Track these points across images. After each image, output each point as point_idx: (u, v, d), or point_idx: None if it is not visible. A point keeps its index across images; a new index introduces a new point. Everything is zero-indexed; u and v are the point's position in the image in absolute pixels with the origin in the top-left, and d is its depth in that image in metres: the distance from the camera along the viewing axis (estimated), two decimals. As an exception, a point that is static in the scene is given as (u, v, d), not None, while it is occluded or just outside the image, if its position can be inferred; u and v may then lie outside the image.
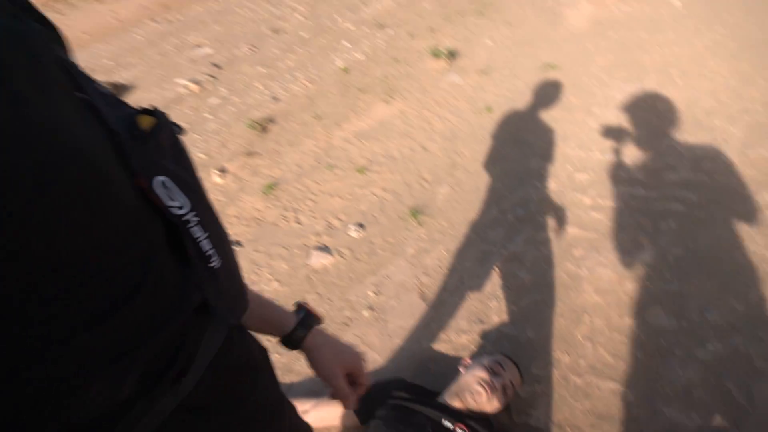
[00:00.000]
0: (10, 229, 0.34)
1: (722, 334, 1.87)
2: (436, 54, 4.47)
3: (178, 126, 0.57)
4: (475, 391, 1.54)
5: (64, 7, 14.11)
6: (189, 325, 0.52)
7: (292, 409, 0.81)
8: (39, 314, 0.38)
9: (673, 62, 3.67)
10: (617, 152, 2.83)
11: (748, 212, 2.30)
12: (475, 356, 1.78)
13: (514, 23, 4.93)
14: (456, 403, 1.58)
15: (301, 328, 0.84)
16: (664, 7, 4.52)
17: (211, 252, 0.54)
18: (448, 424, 1.49)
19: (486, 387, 1.54)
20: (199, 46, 7.16)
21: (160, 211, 0.49)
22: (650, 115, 3.10)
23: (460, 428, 1.48)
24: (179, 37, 8.10)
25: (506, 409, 1.68)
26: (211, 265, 0.55)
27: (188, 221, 0.52)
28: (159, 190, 0.49)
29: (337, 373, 0.85)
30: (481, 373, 1.58)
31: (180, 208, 0.51)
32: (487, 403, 1.54)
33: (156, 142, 0.51)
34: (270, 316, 0.83)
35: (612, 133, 3.00)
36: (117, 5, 14.14)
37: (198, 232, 0.53)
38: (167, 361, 0.50)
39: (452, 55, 4.47)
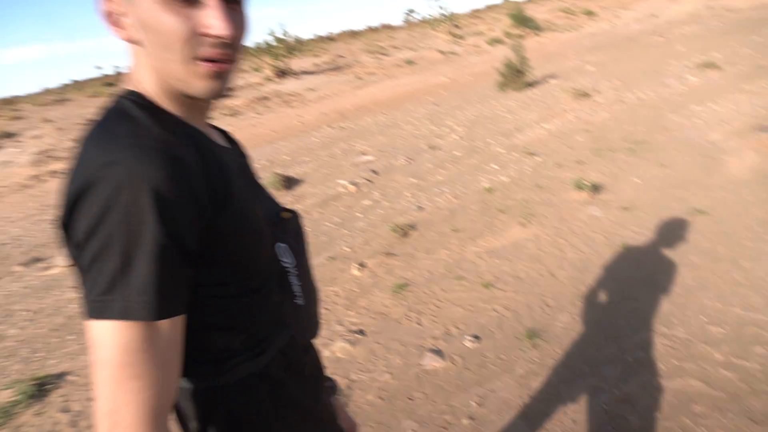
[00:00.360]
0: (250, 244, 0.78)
1: None
2: (579, 186, 4.60)
3: (302, 220, 1.00)
4: None
5: (263, 109, 16.76)
6: (276, 329, 0.86)
7: (332, 418, 1.05)
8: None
9: None
10: (763, 311, 2.65)
11: None
12: (565, 489, 1.77)
13: (666, 165, 4.91)
14: None
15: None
16: (843, 166, 4.22)
17: (299, 294, 0.90)
18: None
19: None
20: (363, 153, 8.08)
21: (278, 260, 0.87)
22: (809, 278, 2.87)
23: None
24: (348, 142, 9.21)
25: None
26: (296, 301, 0.90)
27: (289, 272, 0.88)
28: (278, 251, 0.86)
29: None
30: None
31: (287, 263, 0.88)
32: None
33: (286, 226, 0.92)
34: None
35: (761, 290, 2.83)
36: (303, 111, 16.46)
37: (294, 280, 0.89)
38: (259, 340, 0.82)
39: (596, 188, 4.56)
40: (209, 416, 0.80)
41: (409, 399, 2.48)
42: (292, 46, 23.17)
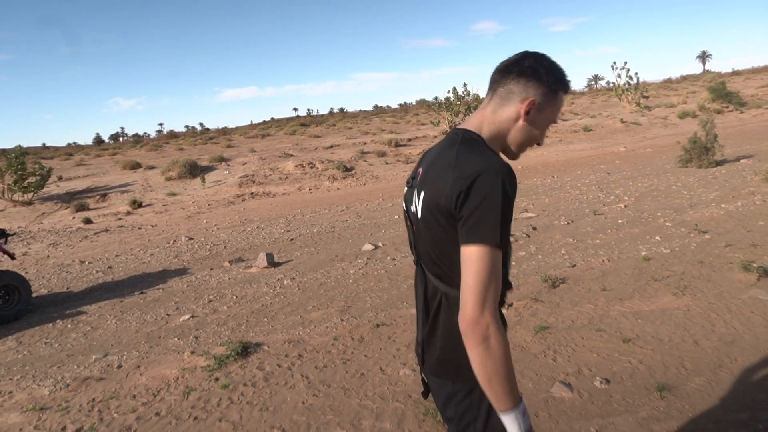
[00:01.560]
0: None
1: None
2: (747, 268, 4.48)
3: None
4: None
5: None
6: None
7: None
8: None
9: None
10: None
11: None
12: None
13: None
14: None
15: None
16: None
17: (509, 270, 1.35)
18: None
19: None
20: (526, 210, 8.44)
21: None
22: None
23: None
24: (512, 199, 9.63)
25: None
26: (508, 273, 1.35)
27: (508, 256, 1.33)
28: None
29: None
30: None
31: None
32: None
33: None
34: None
35: None
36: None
37: (509, 263, 1.35)
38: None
39: (766, 272, 4.41)
40: None
41: (535, 416, 2.83)
42: (471, 105, 24.32)
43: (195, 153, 24.27)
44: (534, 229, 7.07)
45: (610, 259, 5.37)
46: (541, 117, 1.35)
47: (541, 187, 10.96)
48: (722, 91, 25.94)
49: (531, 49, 1.39)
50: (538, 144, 1.41)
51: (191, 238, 9.51)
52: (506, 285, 1.34)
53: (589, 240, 6.25)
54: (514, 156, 1.41)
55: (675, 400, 2.85)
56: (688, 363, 3.21)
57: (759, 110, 24.10)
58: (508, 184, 1.20)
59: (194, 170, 18.40)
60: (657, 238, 5.95)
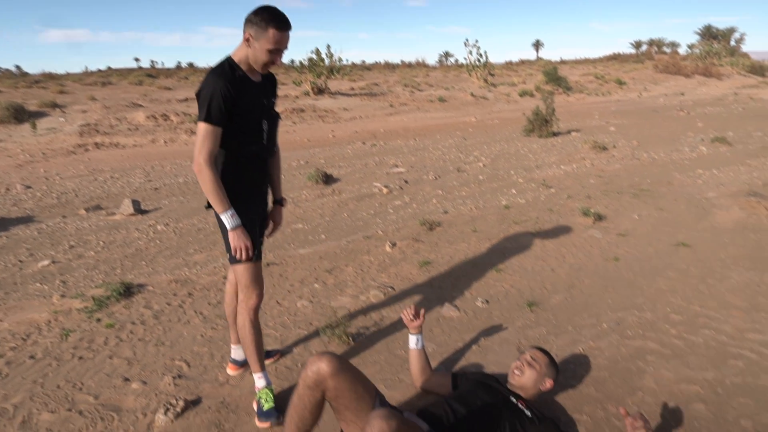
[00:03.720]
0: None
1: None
2: (585, 213, 5.31)
3: (279, 118, 2.44)
4: (512, 368, 2.31)
5: (298, 119, 17.56)
6: (253, 145, 2.32)
7: (265, 201, 2.52)
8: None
9: (802, 270, 4.04)
10: (716, 310, 3.31)
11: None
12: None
13: (663, 209, 5.62)
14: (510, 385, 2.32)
15: (277, 203, 2.65)
16: (813, 229, 4.90)
17: (263, 138, 2.35)
18: (513, 399, 2.19)
19: (516, 362, 2.31)
20: (395, 165, 8.87)
21: (261, 125, 2.33)
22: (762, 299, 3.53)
23: (521, 404, 2.17)
24: (380, 156, 10.03)
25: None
26: (262, 141, 2.34)
27: (263, 130, 2.34)
28: (262, 122, 2.32)
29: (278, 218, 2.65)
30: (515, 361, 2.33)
31: (264, 128, 2.34)
32: (521, 375, 2.27)
33: (268, 115, 2.37)
34: (275, 186, 2.62)
35: (718, 298, 3.49)
36: (336, 126, 17.33)
37: (264, 135, 2.34)
38: (244, 145, 2.29)
39: (599, 217, 5.28)
40: (224, 165, 2.21)
41: (430, 332, 3.16)
42: (334, 68, 24.31)
43: (18, 96, 21.00)
44: (406, 182, 7.51)
45: (477, 207, 5.97)
46: (257, 45, 2.10)
47: (406, 147, 11.52)
48: (554, 76, 29.17)
49: (262, 5, 2.15)
50: (273, 63, 2.16)
51: (29, 187, 8.41)
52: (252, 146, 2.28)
53: (456, 192, 6.84)
54: (261, 69, 2.20)
55: (541, 312, 3.37)
56: (548, 285, 3.79)
57: (581, 94, 27.58)
58: (221, 89, 2.05)
59: (20, 115, 15.99)
60: (513, 191, 6.71)
